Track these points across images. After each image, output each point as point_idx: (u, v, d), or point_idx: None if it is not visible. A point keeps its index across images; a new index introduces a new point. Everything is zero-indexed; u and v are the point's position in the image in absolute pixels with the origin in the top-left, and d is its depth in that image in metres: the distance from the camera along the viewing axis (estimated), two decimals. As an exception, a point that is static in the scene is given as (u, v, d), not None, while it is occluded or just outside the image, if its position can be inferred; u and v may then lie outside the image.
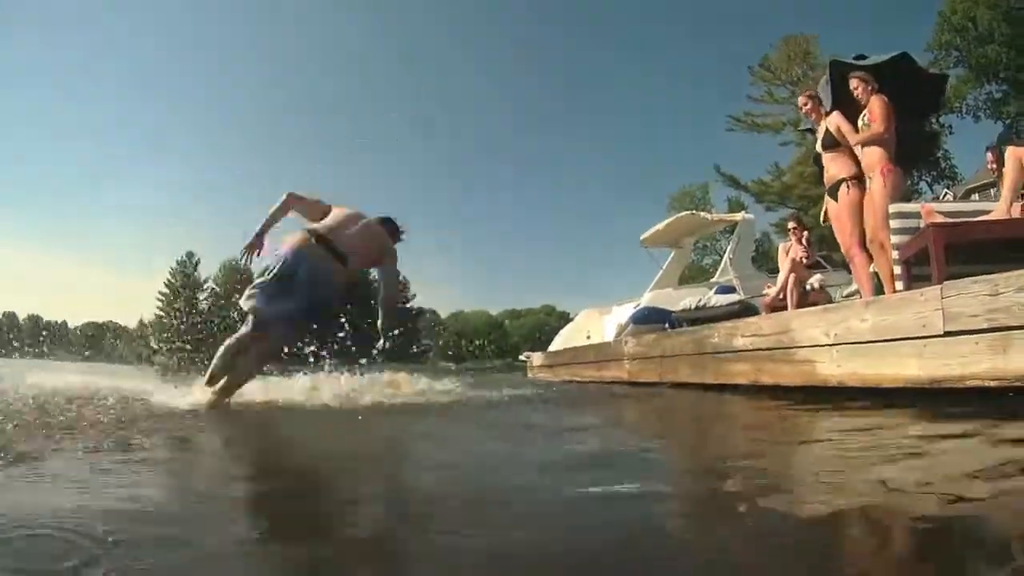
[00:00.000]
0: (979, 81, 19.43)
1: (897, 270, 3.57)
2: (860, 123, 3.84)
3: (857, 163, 3.89)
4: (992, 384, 2.31)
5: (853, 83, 3.90)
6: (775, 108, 24.00)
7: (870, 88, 3.84)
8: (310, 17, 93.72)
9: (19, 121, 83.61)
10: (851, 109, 4.57)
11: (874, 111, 3.69)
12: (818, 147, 4.15)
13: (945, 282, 2.52)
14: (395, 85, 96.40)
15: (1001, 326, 2.30)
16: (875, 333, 2.66)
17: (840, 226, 3.92)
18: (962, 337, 2.40)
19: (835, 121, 3.99)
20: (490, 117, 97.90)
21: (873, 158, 3.68)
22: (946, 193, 10.33)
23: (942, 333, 2.46)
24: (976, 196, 11.45)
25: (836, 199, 3.94)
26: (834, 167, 3.95)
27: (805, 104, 4.19)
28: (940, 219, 3.40)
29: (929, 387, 2.49)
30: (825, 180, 4.07)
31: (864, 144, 3.77)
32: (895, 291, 3.44)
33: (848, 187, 3.83)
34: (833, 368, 2.81)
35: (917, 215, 3.58)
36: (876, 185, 3.63)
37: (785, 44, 24.01)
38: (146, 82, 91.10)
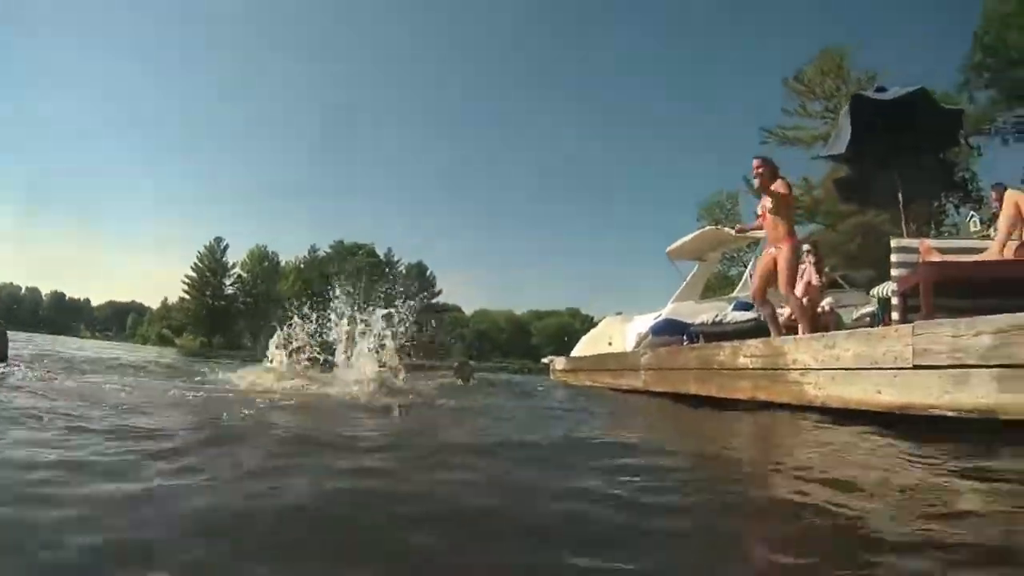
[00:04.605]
0: (1008, 103, 18.76)
1: (895, 301, 3.90)
2: (768, 200, 4.20)
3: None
4: (950, 414, 2.65)
5: (756, 163, 4.24)
6: (808, 122, 23.76)
7: (771, 170, 4.21)
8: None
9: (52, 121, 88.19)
10: (870, 142, 4.87)
11: (784, 192, 4.14)
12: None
13: (916, 321, 2.87)
14: (430, 84, 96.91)
15: (960, 363, 2.64)
16: (855, 361, 3.02)
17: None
18: (928, 371, 2.75)
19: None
20: (523, 120, 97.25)
21: (780, 231, 4.12)
22: (972, 215, 10.22)
23: (911, 366, 2.81)
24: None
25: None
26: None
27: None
28: (935, 257, 3.70)
29: (899, 412, 2.84)
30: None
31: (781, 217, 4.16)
32: (807, 328, 4.01)
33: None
34: (817, 391, 3.19)
35: (916, 251, 3.89)
36: (783, 254, 4.08)
37: (820, 57, 23.81)
38: (186, 75, 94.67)
